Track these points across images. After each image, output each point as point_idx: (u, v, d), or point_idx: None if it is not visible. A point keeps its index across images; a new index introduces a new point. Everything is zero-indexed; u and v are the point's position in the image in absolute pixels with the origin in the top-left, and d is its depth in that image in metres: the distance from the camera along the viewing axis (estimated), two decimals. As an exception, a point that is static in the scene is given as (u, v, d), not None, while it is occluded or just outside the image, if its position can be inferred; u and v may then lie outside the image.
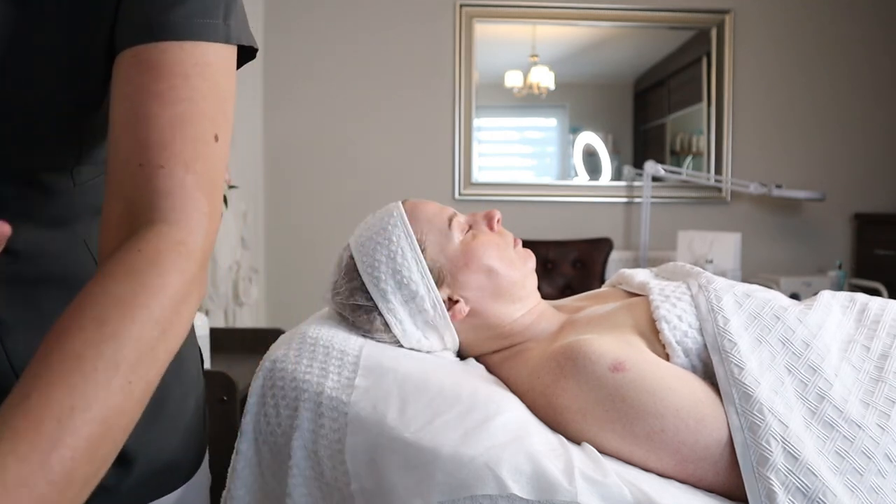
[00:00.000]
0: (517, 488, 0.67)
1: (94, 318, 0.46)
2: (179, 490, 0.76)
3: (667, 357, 0.82)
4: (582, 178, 3.47)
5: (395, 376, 0.81)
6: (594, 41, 3.46)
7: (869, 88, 3.42)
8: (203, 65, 0.56)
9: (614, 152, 3.49)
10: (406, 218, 0.92)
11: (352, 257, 0.92)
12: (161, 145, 0.53)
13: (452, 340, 0.93)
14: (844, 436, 0.71)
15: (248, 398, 0.85)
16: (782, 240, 3.44)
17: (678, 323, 0.83)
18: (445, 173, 3.35)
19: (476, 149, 3.37)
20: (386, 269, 0.89)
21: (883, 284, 3.07)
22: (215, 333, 1.97)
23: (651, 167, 3.18)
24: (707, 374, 0.80)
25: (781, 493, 0.67)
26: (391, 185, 3.29)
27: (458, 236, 0.92)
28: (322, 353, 0.85)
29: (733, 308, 0.84)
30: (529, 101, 3.44)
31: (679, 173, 3.29)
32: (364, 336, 0.90)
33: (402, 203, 0.94)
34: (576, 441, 0.76)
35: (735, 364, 0.77)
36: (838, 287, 3.06)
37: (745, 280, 3.06)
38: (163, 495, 0.74)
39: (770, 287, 1.00)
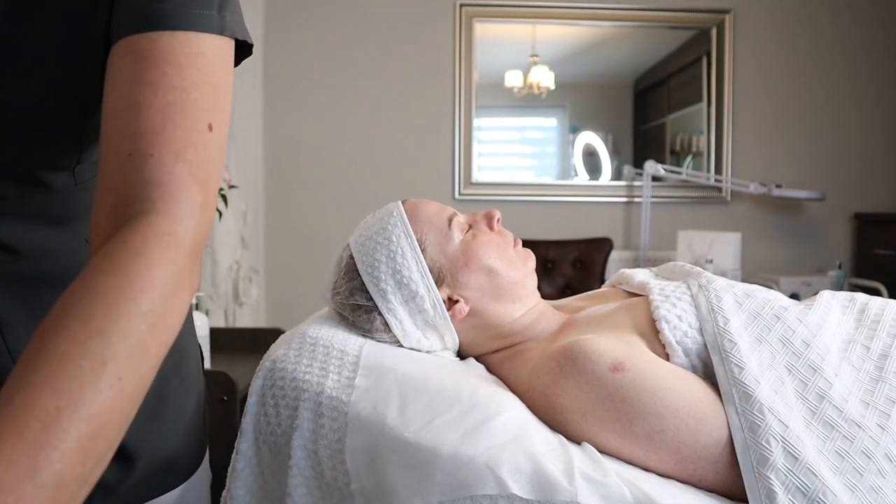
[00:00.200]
0: (517, 488, 0.67)
1: (79, 315, 0.45)
2: (180, 488, 0.77)
3: (667, 357, 0.82)
4: (582, 177, 3.47)
5: (395, 376, 0.81)
6: (594, 41, 3.46)
7: (869, 88, 3.42)
8: (196, 55, 0.55)
9: (614, 152, 3.49)
10: (406, 218, 0.92)
11: (352, 257, 0.92)
12: (151, 134, 0.52)
13: (452, 340, 0.93)
14: (844, 436, 0.71)
15: (248, 398, 0.85)
16: (782, 240, 3.44)
17: (678, 323, 0.83)
18: (445, 173, 3.35)
19: (476, 149, 3.37)
20: (386, 268, 0.89)
21: (883, 284, 3.07)
22: (215, 333, 1.97)
23: (651, 167, 3.18)
24: (707, 374, 0.80)
25: (781, 493, 0.67)
26: (391, 185, 3.29)
27: (458, 236, 0.92)
28: (322, 353, 0.85)
29: (733, 308, 0.84)
30: (529, 101, 3.44)
31: (679, 173, 3.29)
32: (364, 336, 0.90)
33: (402, 203, 0.94)
34: (576, 441, 0.76)
35: (735, 364, 0.77)
36: (838, 287, 3.06)
37: (745, 280, 3.06)
38: (164, 493, 0.75)
39: (770, 287, 1.01)
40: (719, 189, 3.40)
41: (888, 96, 3.43)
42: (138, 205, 0.51)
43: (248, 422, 0.84)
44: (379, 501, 0.71)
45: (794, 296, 2.98)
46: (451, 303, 0.91)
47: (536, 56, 3.41)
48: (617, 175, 3.45)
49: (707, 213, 3.42)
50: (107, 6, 0.56)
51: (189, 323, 0.78)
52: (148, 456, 0.72)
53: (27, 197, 0.63)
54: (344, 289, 0.91)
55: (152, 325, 0.47)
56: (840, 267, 3.16)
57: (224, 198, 1.89)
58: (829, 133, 3.42)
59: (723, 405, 0.75)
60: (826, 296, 0.91)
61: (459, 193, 3.34)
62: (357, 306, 0.90)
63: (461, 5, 3.28)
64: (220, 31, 0.57)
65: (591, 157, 3.49)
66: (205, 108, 0.55)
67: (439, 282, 0.90)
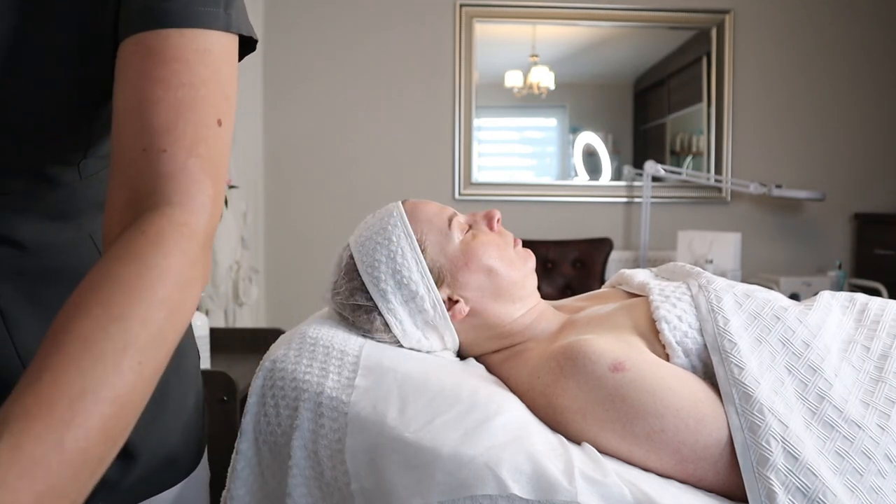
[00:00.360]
0: (517, 488, 0.67)
1: (100, 302, 0.47)
2: (180, 485, 0.77)
3: (667, 357, 0.82)
4: (582, 178, 3.47)
5: (395, 376, 0.81)
6: (594, 41, 3.46)
7: (869, 88, 3.42)
8: (203, 51, 0.56)
9: (614, 152, 3.49)
10: (406, 218, 0.92)
11: (352, 257, 0.92)
12: (164, 129, 0.53)
13: (452, 340, 0.93)
14: (844, 436, 0.71)
15: (248, 398, 0.85)
16: (782, 240, 3.44)
17: (678, 323, 0.83)
18: (445, 173, 3.35)
19: (476, 149, 3.37)
20: (386, 269, 0.89)
21: (883, 284, 3.07)
22: (215, 333, 1.97)
23: (651, 167, 3.18)
24: (707, 374, 0.80)
25: (781, 493, 0.67)
26: (391, 185, 3.29)
27: (458, 236, 0.92)
28: (322, 353, 0.85)
29: (733, 308, 0.84)
30: (529, 101, 3.44)
31: (679, 173, 3.29)
32: (364, 336, 0.90)
33: (402, 203, 0.94)
34: (576, 441, 0.76)
35: (735, 364, 0.77)
36: (838, 287, 3.06)
37: (745, 280, 3.06)
38: (164, 489, 0.75)
39: (770, 287, 1.01)
40: (719, 189, 3.40)
41: (888, 96, 3.43)
42: (154, 198, 0.53)
43: (248, 422, 0.84)
44: (379, 501, 0.71)
45: (794, 296, 2.98)
46: (451, 303, 0.91)
47: (536, 56, 3.41)
48: (617, 175, 3.45)
49: (707, 213, 3.42)
50: (114, 4, 0.57)
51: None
52: (149, 453, 0.72)
53: (33, 192, 0.63)
54: (344, 289, 0.91)
55: (169, 313, 0.49)
56: (840, 267, 3.16)
57: (224, 198, 1.90)
58: (829, 133, 3.42)
59: (723, 405, 0.75)
60: (826, 296, 0.91)
61: (459, 193, 3.34)
62: (357, 306, 0.90)
63: (461, 5, 3.28)
64: (227, 28, 0.58)
65: (591, 157, 3.49)
66: (213, 103, 0.56)
67: (439, 282, 0.90)
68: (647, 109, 3.52)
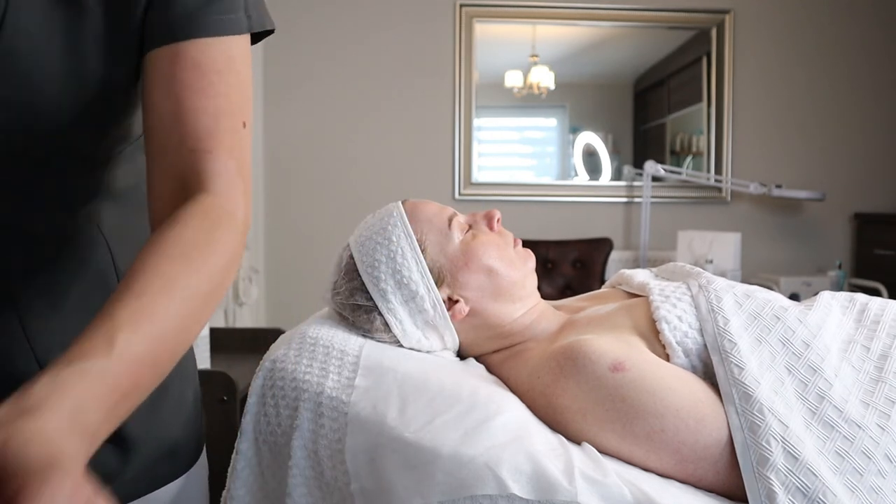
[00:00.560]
0: (517, 488, 0.67)
1: (181, 255, 0.54)
2: (181, 479, 0.79)
3: (667, 357, 0.82)
4: (582, 178, 3.47)
5: (395, 376, 0.81)
6: (594, 41, 3.46)
7: (869, 88, 3.42)
8: (230, 59, 0.63)
9: (614, 152, 3.49)
10: (406, 218, 0.92)
11: (352, 257, 0.92)
12: (208, 134, 0.61)
13: (452, 340, 0.93)
14: (844, 436, 0.71)
15: (248, 398, 0.85)
16: (782, 240, 3.44)
17: (678, 323, 0.83)
18: (445, 173, 3.35)
19: (476, 149, 3.37)
20: (386, 268, 0.89)
21: (883, 284, 3.07)
22: (215, 333, 1.97)
23: (651, 167, 3.18)
24: (707, 374, 0.80)
25: (781, 493, 0.67)
26: (391, 185, 3.29)
27: (458, 236, 0.92)
28: (322, 353, 0.85)
29: (733, 308, 0.84)
30: (529, 101, 3.44)
31: (679, 173, 3.29)
32: (364, 336, 0.90)
33: (402, 203, 0.94)
34: (576, 441, 0.76)
35: (735, 364, 0.77)
36: (838, 287, 3.06)
37: (745, 280, 3.06)
38: (165, 483, 0.77)
39: (770, 287, 1.01)
40: (719, 189, 3.40)
41: (888, 96, 3.43)
42: (202, 189, 0.60)
43: (248, 422, 0.84)
44: (379, 501, 0.71)
45: (794, 296, 2.98)
46: (451, 303, 0.91)
47: (536, 56, 3.41)
48: (617, 175, 3.45)
49: (707, 213, 3.42)
50: (141, 13, 0.61)
51: None
52: (150, 445, 0.74)
53: (44, 183, 0.65)
54: (344, 289, 0.91)
55: (220, 283, 0.58)
56: (840, 267, 3.16)
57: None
58: (829, 133, 3.42)
59: (723, 405, 0.75)
60: (826, 296, 0.91)
61: (459, 193, 3.34)
62: (357, 306, 0.90)
63: (461, 5, 3.28)
64: (248, 30, 0.66)
65: (591, 157, 3.49)
66: (240, 108, 0.64)
67: (439, 282, 0.90)
68: (647, 109, 3.52)
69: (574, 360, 0.79)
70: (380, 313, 0.89)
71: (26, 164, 0.63)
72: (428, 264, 0.90)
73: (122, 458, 0.71)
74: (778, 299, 0.88)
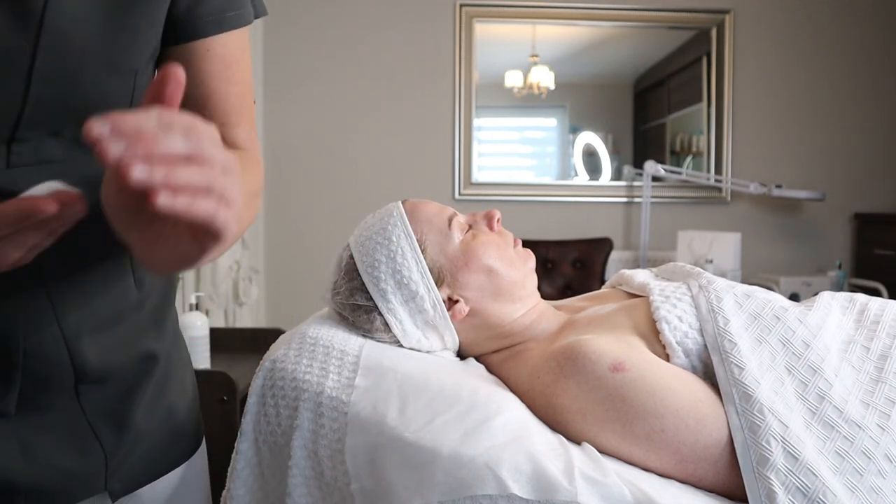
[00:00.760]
0: (517, 488, 0.67)
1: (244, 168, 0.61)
2: (184, 465, 0.82)
3: (667, 358, 0.82)
4: (582, 178, 3.47)
5: (395, 376, 0.81)
6: (594, 41, 3.46)
7: (869, 88, 3.42)
8: (243, 48, 0.75)
9: (614, 152, 3.49)
10: (406, 218, 0.92)
11: (352, 257, 0.92)
12: (235, 112, 0.74)
13: (452, 340, 0.93)
14: (844, 436, 0.72)
15: (248, 398, 0.85)
16: (782, 240, 3.44)
17: (678, 324, 0.83)
18: (445, 173, 3.35)
19: (476, 149, 3.37)
20: (386, 268, 0.89)
21: (883, 284, 3.07)
22: (215, 333, 1.97)
23: (651, 167, 3.18)
24: (707, 374, 0.80)
25: (781, 493, 0.67)
26: (391, 184, 3.29)
27: (458, 236, 0.92)
28: (322, 353, 0.85)
29: (734, 308, 0.84)
30: (529, 101, 3.44)
31: (679, 173, 3.29)
32: (364, 336, 0.90)
33: (402, 203, 0.94)
34: (576, 441, 0.76)
35: (735, 364, 0.77)
36: (838, 287, 3.06)
37: (745, 280, 3.06)
38: (172, 468, 0.80)
39: (770, 287, 1.01)
40: (719, 189, 3.40)
41: (888, 96, 3.43)
42: (234, 148, 0.71)
43: (248, 422, 0.84)
44: (379, 501, 0.71)
45: (794, 296, 2.98)
46: (451, 303, 0.91)
47: (536, 56, 3.41)
48: (617, 175, 3.45)
49: (707, 213, 3.42)
50: (166, 9, 0.69)
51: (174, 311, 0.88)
52: (159, 429, 0.77)
53: (73, 158, 0.67)
54: (344, 289, 0.91)
55: (255, 193, 0.72)
56: (840, 267, 3.16)
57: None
58: (829, 133, 3.42)
59: (723, 405, 0.75)
60: (826, 296, 0.91)
61: (459, 193, 3.34)
62: (357, 306, 0.90)
63: (461, 5, 3.28)
64: (255, 19, 0.76)
65: (591, 157, 3.49)
66: (251, 88, 0.77)
67: (439, 282, 0.90)
68: (647, 109, 3.52)
69: (574, 360, 0.79)
70: (380, 313, 0.89)
71: (65, 141, 0.65)
72: (428, 264, 0.90)
73: (131, 444, 0.74)
74: (778, 300, 0.88)
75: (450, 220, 0.93)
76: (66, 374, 0.67)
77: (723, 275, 2.76)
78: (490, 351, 0.95)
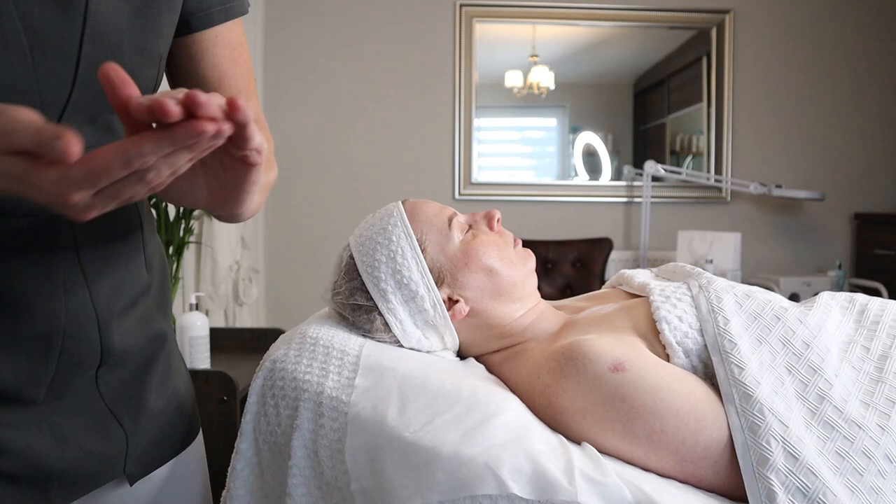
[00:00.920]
0: (517, 488, 0.67)
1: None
2: (184, 452, 0.84)
3: (667, 358, 0.82)
4: (582, 178, 3.47)
5: (395, 376, 0.81)
6: (594, 41, 3.46)
7: (869, 89, 3.42)
8: (242, 32, 0.83)
9: (614, 152, 3.49)
10: (406, 218, 0.92)
11: (352, 257, 0.92)
12: (246, 89, 0.83)
13: (452, 340, 0.93)
14: (845, 436, 0.71)
15: (248, 398, 0.85)
16: (782, 240, 3.44)
17: (678, 324, 0.83)
18: (445, 173, 3.35)
19: (476, 149, 3.37)
20: (386, 268, 0.89)
21: (883, 284, 3.07)
22: (215, 333, 1.97)
23: (651, 167, 3.18)
24: (707, 374, 0.80)
25: (781, 494, 0.67)
26: (391, 185, 3.29)
27: (458, 236, 0.92)
28: (322, 353, 0.85)
29: (734, 309, 0.84)
30: (529, 101, 3.44)
31: (679, 173, 3.29)
32: (364, 336, 0.90)
33: (402, 203, 0.94)
34: (576, 441, 0.76)
35: (735, 364, 0.77)
36: (838, 287, 3.06)
37: (745, 280, 3.06)
38: (182, 449, 0.83)
39: (770, 287, 1.01)
40: (719, 189, 3.40)
41: (888, 96, 3.43)
42: None
43: (248, 422, 0.84)
44: (379, 501, 0.71)
45: (794, 296, 2.98)
46: (451, 303, 0.91)
47: (536, 56, 3.42)
48: (617, 175, 3.45)
49: (707, 213, 3.42)
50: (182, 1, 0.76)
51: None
52: (167, 410, 0.80)
53: (102, 143, 0.70)
54: (344, 289, 0.91)
55: (265, 192, 0.80)
56: (840, 267, 3.16)
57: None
58: (829, 133, 3.43)
59: (723, 406, 0.75)
60: (826, 297, 0.91)
61: (459, 193, 3.34)
62: (357, 306, 0.90)
63: (461, 5, 3.28)
64: (248, 6, 0.84)
65: (591, 157, 3.49)
66: (252, 70, 0.85)
67: (439, 282, 0.90)
68: (647, 109, 3.52)
69: (574, 360, 0.79)
70: (380, 313, 0.89)
71: (99, 127, 0.67)
72: (428, 264, 0.90)
73: (146, 425, 0.77)
74: (778, 300, 0.88)
75: (450, 220, 0.93)
76: (93, 357, 0.69)
77: (723, 275, 2.76)
78: (490, 351, 0.95)
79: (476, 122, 3.35)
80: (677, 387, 0.76)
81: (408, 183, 3.30)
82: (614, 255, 3.26)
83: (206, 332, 1.71)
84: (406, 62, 3.30)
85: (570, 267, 3.20)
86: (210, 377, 1.56)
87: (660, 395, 0.74)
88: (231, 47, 0.81)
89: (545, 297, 0.99)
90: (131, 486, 0.77)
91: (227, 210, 0.64)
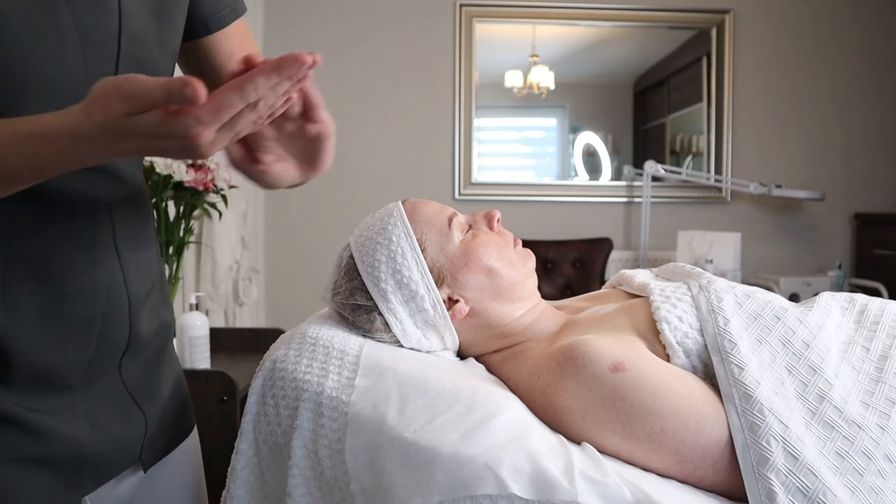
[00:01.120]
0: (517, 488, 0.67)
1: None
2: (186, 440, 0.88)
3: (667, 358, 0.82)
4: (582, 178, 3.47)
5: (395, 376, 0.81)
6: (594, 41, 3.46)
7: (869, 88, 3.42)
8: (245, 23, 0.89)
9: (614, 152, 3.49)
10: (406, 218, 0.92)
11: (352, 257, 0.92)
12: None
13: (452, 340, 0.93)
14: (844, 436, 0.72)
15: (248, 398, 0.85)
16: (782, 240, 3.44)
17: (679, 324, 0.83)
18: (445, 173, 3.35)
19: (476, 149, 3.37)
20: (386, 268, 0.89)
21: (883, 284, 3.07)
22: (215, 333, 1.97)
23: (651, 167, 3.18)
24: (708, 374, 0.80)
25: (781, 494, 0.67)
26: (391, 184, 3.29)
27: (458, 236, 0.92)
28: (322, 353, 0.85)
29: (734, 309, 0.84)
30: (529, 101, 3.44)
31: (679, 173, 3.29)
32: (364, 336, 0.90)
33: (402, 203, 0.94)
34: (576, 441, 0.76)
35: (735, 364, 0.77)
36: (838, 287, 3.06)
37: (745, 280, 3.06)
38: (186, 435, 0.86)
39: (770, 287, 1.01)
40: (719, 189, 3.40)
41: (888, 96, 3.43)
42: None
43: (248, 422, 0.84)
44: (379, 501, 0.71)
45: (794, 296, 2.98)
46: (451, 303, 0.91)
47: (536, 56, 3.41)
48: (617, 175, 3.45)
49: (707, 213, 3.42)
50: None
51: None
52: (170, 394, 0.84)
53: None
54: (344, 289, 0.91)
55: None
56: (840, 267, 3.16)
57: (224, 198, 1.90)
58: (829, 133, 3.42)
59: (723, 406, 0.75)
60: (826, 297, 0.91)
61: (459, 193, 3.34)
62: (357, 306, 0.90)
63: (461, 5, 3.28)
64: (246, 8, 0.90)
65: (591, 157, 3.49)
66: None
67: (439, 282, 0.90)
68: (647, 109, 3.52)
69: (574, 360, 0.79)
70: (380, 313, 0.89)
71: None
72: (428, 264, 0.90)
73: (159, 411, 0.80)
74: (778, 300, 0.88)
75: (450, 220, 0.93)
76: (122, 342, 0.73)
77: (723, 275, 2.76)
78: (490, 351, 0.95)
79: (476, 122, 3.35)
80: (677, 387, 0.76)
81: (408, 183, 3.30)
82: (614, 256, 3.26)
83: (206, 332, 1.70)
84: (406, 62, 3.30)
85: (570, 267, 3.20)
86: (210, 377, 1.56)
87: (660, 395, 0.74)
88: (241, 37, 0.88)
89: (545, 297, 0.99)
90: (145, 472, 0.79)
91: (315, 175, 0.79)
